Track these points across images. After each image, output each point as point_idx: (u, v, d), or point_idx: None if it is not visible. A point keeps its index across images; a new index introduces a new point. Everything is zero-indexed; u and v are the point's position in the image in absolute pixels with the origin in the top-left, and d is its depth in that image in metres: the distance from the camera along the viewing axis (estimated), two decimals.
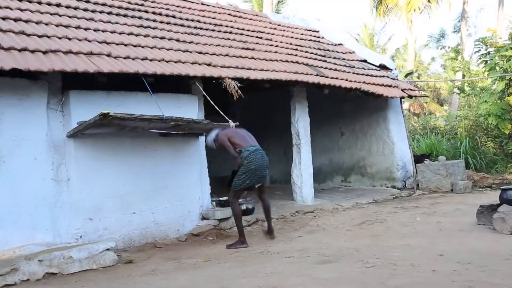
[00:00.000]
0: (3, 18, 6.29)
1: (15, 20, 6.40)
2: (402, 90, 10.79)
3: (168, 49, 7.50)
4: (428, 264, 4.65)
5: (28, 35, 6.13)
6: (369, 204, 9.15)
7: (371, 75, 10.79)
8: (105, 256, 5.59)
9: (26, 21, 6.50)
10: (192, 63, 7.32)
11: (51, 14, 7.11)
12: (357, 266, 4.74)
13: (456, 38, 33.60)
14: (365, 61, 11.83)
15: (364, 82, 10.00)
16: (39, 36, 6.22)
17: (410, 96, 11.16)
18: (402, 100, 11.24)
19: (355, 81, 9.81)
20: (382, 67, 11.81)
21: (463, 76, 19.15)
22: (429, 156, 11.85)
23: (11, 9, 6.71)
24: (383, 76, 11.11)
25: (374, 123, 11.23)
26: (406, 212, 7.92)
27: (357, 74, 10.46)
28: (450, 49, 21.27)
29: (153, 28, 8.28)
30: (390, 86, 10.60)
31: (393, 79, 11.34)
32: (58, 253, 5.29)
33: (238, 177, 6.31)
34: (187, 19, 9.56)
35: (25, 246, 5.52)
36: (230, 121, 7.03)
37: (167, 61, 7.03)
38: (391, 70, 11.93)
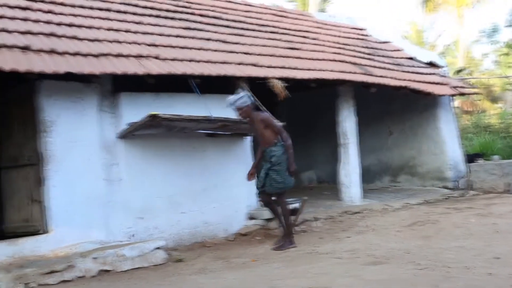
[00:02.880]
0: (58, 24, 6.53)
1: (69, 25, 6.63)
2: (453, 87, 10.48)
3: (214, 50, 7.58)
4: (484, 267, 4.48)
5: (81, 39, 6.33)
6: (420, 205, 8.93)
7: (420, 73, 10.54)
8: (155, 255, 5.70)
9: (79, 26, 6.72)
10: (238, 64, 7.37)
11: (102, 19, 7.33)
12: (408, 268, 4.62)
13: (510, 32, 32.36)
14: (413, 58, 11.56)
15: (412, 80, 9.78)
16: (91, 41, 6.41)
17: (461, 94, 10.83)
18: (453, 98, 10.92)
19: (403, 79, 9.60)
20: (432, 64, 11.49)
21: None
22: (482, 155, 11.46)
23: (65, 15, 6.95)
24: (432, 74, 10.82)
25: (424, 122, 10.95)
26: (459, 213, 7.68)
27: (405, 72, 10.24)
28: (503, 44, 20.49)
29: (200, 30, 8.39)
30: (440, 83, 10.31)
31: (443, 76, 11.02)
32: (111, 251, 5.44)
33: (281, 176, 6.12)
34: (232, 20, 9.62)
35: (80, 243, 5.70)
36: (277, 121, 7.02)
37: (213, 62, 7.10)
38: (441, 67, 11.59)
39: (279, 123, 6.89)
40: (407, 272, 4.49)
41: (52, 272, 4.96)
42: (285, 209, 6.32)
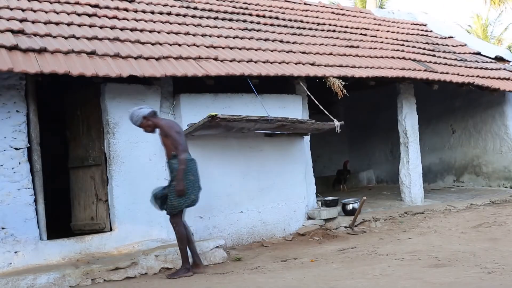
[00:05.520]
0: (121, 29, 6.76)
1: (131, 30, 6.85)
2: None
3: (272, 51, 7.60)
4: None
5: (143, 43, 6.52)
6: (486, 206, 8.58)
7: (486, 68, 10.12)
8: (215, 254, 5.80)
9: (141, 31, 6.92)
10: (296, 63, 7.35)
11: (163, 23, 7.51)
12: (474, 271, 4.46)
13: None
14: (478, 53, 11.12)
15: (477, 76, 9.41)
16: (152, 44, 6.59)
17: None
18: None
19: (467, 75, 9.26)
20: (498, 59, 11.01)
21: None
22: None
23: (128, 20, 7.19)
24: (499, 69, 10.36)
25: (490, 119, 10.51)
26: None
27: (470, 67, 9.86)
28: None
29: (257, 31, 8.44)
30: (507, 79, 9.85)
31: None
32: (172, 249, 5.57)
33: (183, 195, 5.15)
34: (290, 20, 9.61)
35: (143, 241, 5.88)
36: (335, 120, 6.97)
37: (271, 62, 7.13)
38: (509, 62, 11.08)
39: (337, 123, 6.83)
40: (472, 275, 4.33)
41: (116, 268, 5.16)
42: (177, 232, 5.26)
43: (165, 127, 5.31)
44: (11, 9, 6.27)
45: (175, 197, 5.16)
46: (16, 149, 5.37)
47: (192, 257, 5.36)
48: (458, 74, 9.15)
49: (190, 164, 5.25)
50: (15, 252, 5.26)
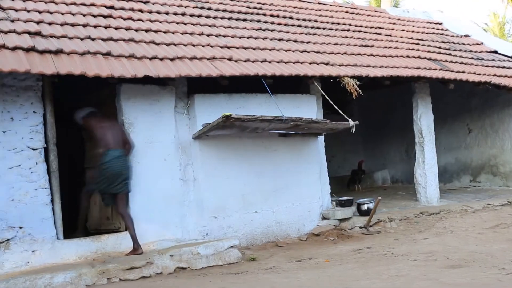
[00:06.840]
0: (136, 30, 6.80)
1: (146, 31, 6.88)
2: None
3: (286, 50, 7.59)
4: None
5: (157, 44, 6.55)
6: (503, 206, 8.47)
7: (503, 67, 10.00)
8: (229, 253, 5.80)
9: (156, 31, 6.96)
10: (310, 63, 7.34)
11: (177, 23, 7.54)
12: (492, 273, 4.41)
13: None
14: (495, 52, 10.98)
15: (494, 75, 9.30)
16: (167, 45, 6.62)
17: None
18: None
19: (484, 74, 9.15)
20: None
21: None
22: None
23: (142, 21, 7.23)
24: None
25: (507, 118, 10.36)
26: None
27: (487, 66, 9.75)
28: None
29: (271, 31, 8.43)
30: None
31: None
32: (187, 249, 5.59)
33: (95, 180, 5.82)
34: (304, 20, 9.59)
35: (158, 241, 5.91)
36: (350, 120, 6.94)
37: (285, 62, 7.12)
38: None
39: (352, 123, 6.79)
40: (490, 276, 4.29)
41: (132, 268, 5.18)
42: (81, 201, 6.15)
43: (88, 128, 5.97)
44: (28, 11, 6.34)
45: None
46: (33, 149, 5.44)
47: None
48: (474, 73, 9.05)
49: (112, 162, 5.67)
50: (33, 251, 5.32)
